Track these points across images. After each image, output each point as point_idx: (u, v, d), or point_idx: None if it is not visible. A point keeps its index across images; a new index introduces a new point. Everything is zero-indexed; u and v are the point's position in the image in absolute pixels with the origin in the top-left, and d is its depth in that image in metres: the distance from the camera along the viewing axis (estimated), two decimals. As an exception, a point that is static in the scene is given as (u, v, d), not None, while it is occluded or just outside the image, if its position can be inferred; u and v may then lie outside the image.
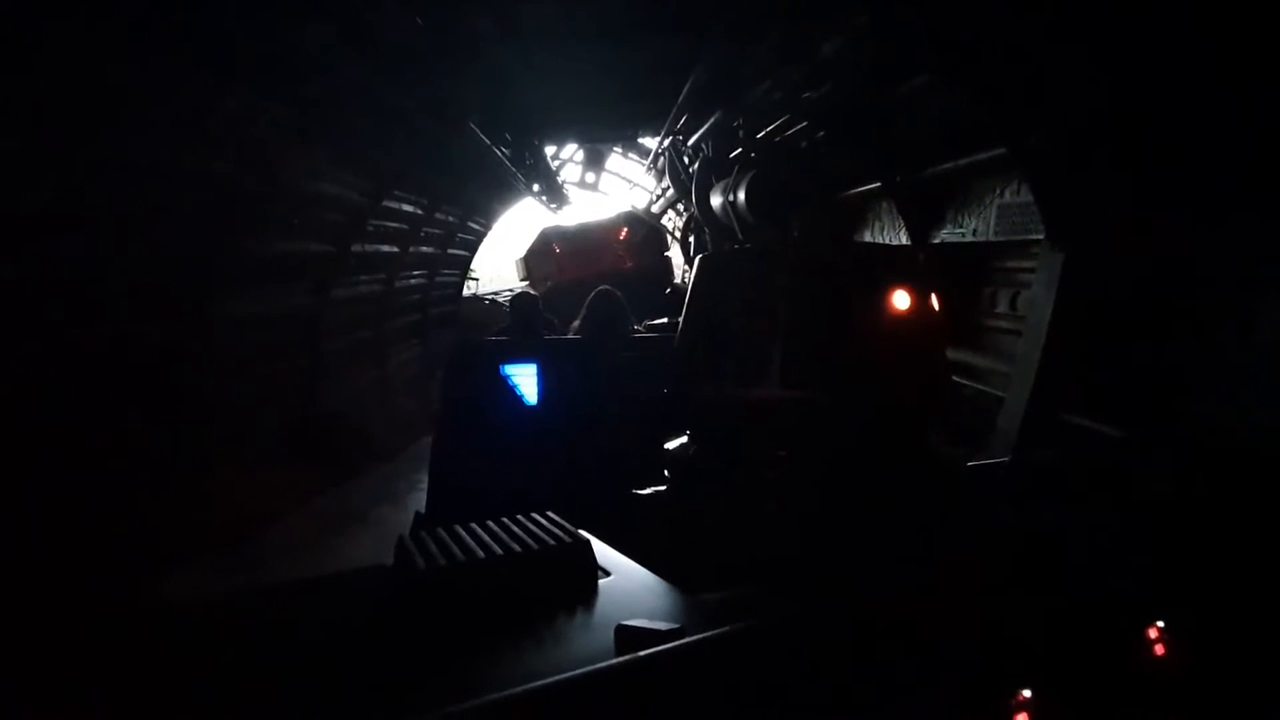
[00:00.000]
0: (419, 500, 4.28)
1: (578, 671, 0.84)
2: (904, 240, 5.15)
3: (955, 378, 4.16)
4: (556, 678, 0.82)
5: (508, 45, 4.66)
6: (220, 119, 3.78)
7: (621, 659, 0.89)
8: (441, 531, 1.22)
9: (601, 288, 3.52)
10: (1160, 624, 1.38)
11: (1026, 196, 3.74)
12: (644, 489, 1.93)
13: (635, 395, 2.62)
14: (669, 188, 11.32)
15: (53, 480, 3.34)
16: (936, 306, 1.65)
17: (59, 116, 2.86)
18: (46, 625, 1.26)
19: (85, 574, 3.27)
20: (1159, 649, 1.37)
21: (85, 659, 1.02)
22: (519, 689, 0.80)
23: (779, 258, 1.81)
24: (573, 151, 13.76)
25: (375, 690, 0.90)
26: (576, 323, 3.75)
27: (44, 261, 3.13)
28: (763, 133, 6.67)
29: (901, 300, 1.56)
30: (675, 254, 12.76)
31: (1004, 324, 4.26)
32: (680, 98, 5.42)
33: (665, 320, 5.34)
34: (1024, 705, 1.18)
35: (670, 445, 1.86)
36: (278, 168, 4.50)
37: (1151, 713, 1.34)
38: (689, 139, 7.97)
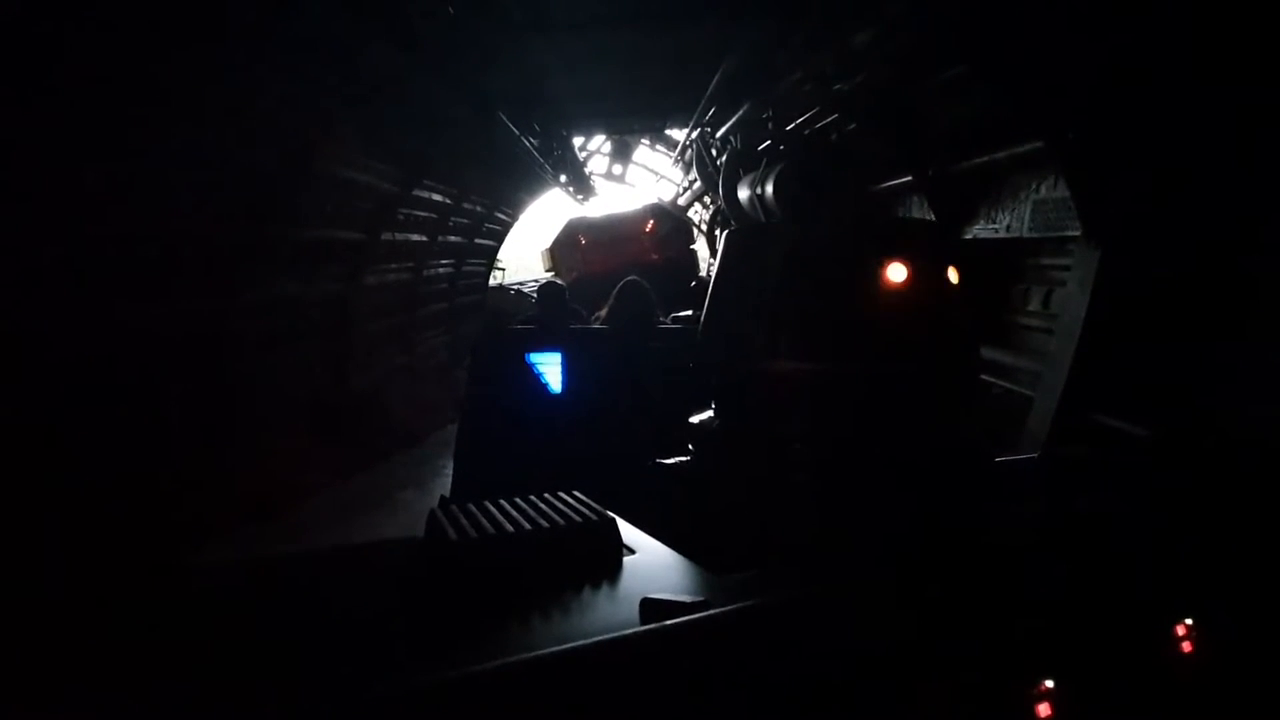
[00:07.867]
0: (443, 485, 4.35)
1: (604, 637, 0.86)
2: (934, 235, 5.07)
3: (984, 376, 4.09)
4: (583, 641, 0.85)
5: (538, 34, 4.68)
6: (257, 107, 3.87)
7: (647, 627, 0.91)
8: (472, 506, 1.26)
9: (630, 278, 3.51)
10: (1189, 621, 1.36)
11: (1063, 191, 3.67)
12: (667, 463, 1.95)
13: (661, 386, 2.62)
14: (695, 180, 11.28)
15: (98, 451, 3.47)
16: (957, 280, 1.60)
17: (104, 105, 2.96)
18: (88, 587, 1.30)
19: (127, 542, 3.39)
20: (1186, 646, 1.35)
21: (124, 617, 1.06)
22: (547, 650, 0.83)
23: (803, 230, 1.79)
24: (600, 143, 13.80)
25: (406, 649, 0.93)
26: (603, 312, 3.75)
27: (90, 243, 3.24)
28: (792, 125, 6.61)
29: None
30: (701, 247, 12.73)
31: (1036, 322, 4.19)
32: (710, 88, 5.41)
33: (690, 313, 5.34)
34: (1046, 695, 1.18)
35: (694, 419, 1.87)
36: (311, 155, 4.59)
37: (1177, 710, 1.33)
38: (717, 131, 7.94)
